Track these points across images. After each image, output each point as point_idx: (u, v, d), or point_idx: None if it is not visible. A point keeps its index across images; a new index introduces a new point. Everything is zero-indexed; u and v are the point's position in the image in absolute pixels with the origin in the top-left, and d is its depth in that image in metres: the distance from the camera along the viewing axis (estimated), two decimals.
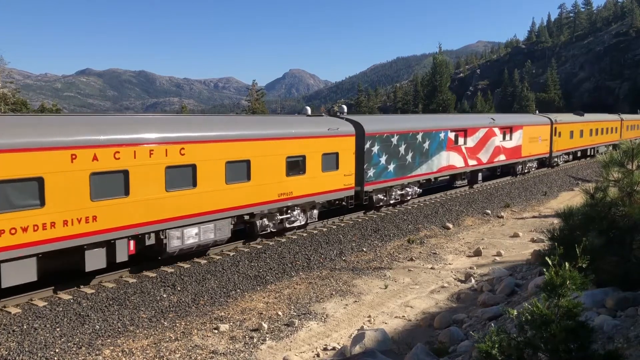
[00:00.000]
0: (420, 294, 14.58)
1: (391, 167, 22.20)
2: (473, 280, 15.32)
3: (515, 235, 21.23)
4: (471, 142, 27.86)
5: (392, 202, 22.92)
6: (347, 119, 20.83)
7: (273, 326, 12.19)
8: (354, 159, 20.20)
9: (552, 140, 37.04)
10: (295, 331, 12.03)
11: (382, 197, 22.27)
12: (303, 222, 18.52)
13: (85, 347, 10.71)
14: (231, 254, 16.11)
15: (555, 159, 38.73)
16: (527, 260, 16.16)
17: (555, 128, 37.38)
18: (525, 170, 34.85)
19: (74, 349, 10.59)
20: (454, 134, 26.38)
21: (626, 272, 8.12)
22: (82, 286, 12.97)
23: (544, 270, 4.59)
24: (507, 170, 33.64)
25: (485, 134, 29.09)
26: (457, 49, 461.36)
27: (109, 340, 11.11)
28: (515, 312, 5.01)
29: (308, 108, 21.67)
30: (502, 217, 25.07)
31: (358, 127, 20.62)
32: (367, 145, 20.74)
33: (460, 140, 27.06)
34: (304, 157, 17.92)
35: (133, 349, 10.80)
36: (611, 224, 8.29)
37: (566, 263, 4.47)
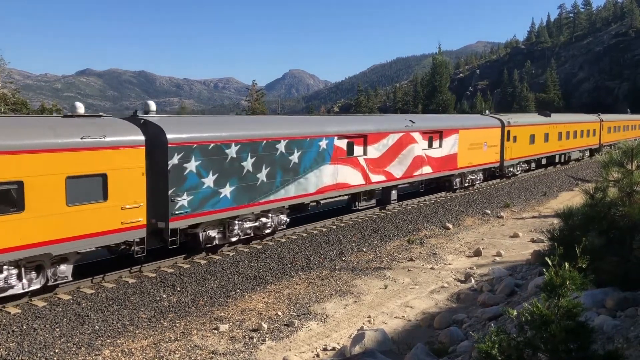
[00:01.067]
0: (420, 294, 14.59)
1: (227, 190, 15.54)
2: (473, 281, 15.33)
3: (515, 236, 21.24)
4: (375, 151, 21.36)
5: (234, 239, 16.23)
6: (144, 122, 14.29)
7: (273, 326, 12.19)
8: (144, 181, 13.50)
9: (503, 146, 30.78)
10: (295, 331, 12.03)
11: (216, 235, 15.67)
12: (38, 286, 12.00)
13: (84, 347, 10.71)
14: (231, 254, 16.10)
15: (511, 169, 32.69)
16: (527, 261, 16.17)
17: (508, 131, 31.16)
18: (466, 184, 28.32)
19: (74, 349, 10.59)
20: (345, 141, 19.92)
21: (626, 272, 8.12)
22: (81, 286, 12.96)
23: (544, 270, 4.59)
24: (441, 184, 27.39)
25: (398, 140, 22.58)
26: (456, 49, 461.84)
27: (108, 340, 11.11)
28: (515, 313, 5.01)
29: (79, 104, 14.01)
30: (502, 217, 25.07)
31: (156, 133, 13.98)
32: (175, 161, 14.08)
33: (358, 150, 20.61)
34: (20, 184, 11.15)
35: (133, 349, 10.80)
36: (611, 224, 8.30)
37: (566, 263, 4.47)
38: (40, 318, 11.24)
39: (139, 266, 14.31)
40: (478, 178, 29.62)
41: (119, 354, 10.61)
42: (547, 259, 4.57)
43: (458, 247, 19.69)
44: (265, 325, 12.05)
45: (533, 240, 20.09)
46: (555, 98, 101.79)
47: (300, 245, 17.55)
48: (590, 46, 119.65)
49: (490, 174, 31.47)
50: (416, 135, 23.91)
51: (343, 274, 16.03)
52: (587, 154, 45.38)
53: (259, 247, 16.91)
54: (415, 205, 24.33)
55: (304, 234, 18.65)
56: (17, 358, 10.00)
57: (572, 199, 26.60)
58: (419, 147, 24.15)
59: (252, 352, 11.01)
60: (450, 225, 22.56)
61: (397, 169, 22.82)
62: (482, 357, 4.54)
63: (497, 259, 17.85)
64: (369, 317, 12.91)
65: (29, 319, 11.15)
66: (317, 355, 10.97)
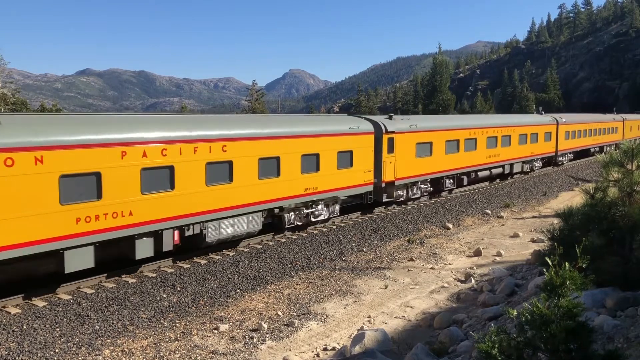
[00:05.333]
0: (420, 294, 14.58)
1: None
2: (473, 280, 15.32)
3: (515, 235, 21.23)
4: None
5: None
6: None
7: (273, 326, 12.19)
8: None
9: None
10: (295, 331, 12.03)
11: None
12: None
13: (85, 347, 10.71)
14: (231, 254, 16.10)
15: None
16: (527, 260, 16.16)
17: None
18: None
19: (74, 349, 10.59)
20: None
21: (626, 272, 8.12)
22: (81, 286, 12.97)
23: (544, 270, 4.59)
24: None
25: None
26: (457, 49, 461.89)
27: (108, 340, 11.11)
28: (515, 312, 5.01)
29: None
30: (502, 217, 25.07)
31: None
32: None
33: None
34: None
35: (133, 349, 10.80)
36: (611, 224, 8.29)
37: (566, 263, 4.46)
38: (41, 318, 11.25)
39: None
40: None
41: (119, 354, 10.61)
42: (547, 258, 4.56)
43: (458, 247, 19.68)
44: (265, 325, 12.05)
45: (533, 240, 20.08)
46: (555, 98, 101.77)
47: (300, 245, 17.55)
48: (590, 46, 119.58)
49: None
50: None
51: (343, 274, 16.03)
52: (335, 210, 20.41)
53: (259, 247, 16.91)
54: (415, 205, 24.32)
55: (304, 234, 18.65)
56: (17, 358, 10.00)
57: (572, 199, 26.59)
58: None
59: (252, 352, 11.01)
60: (450, 225, 22.55)
61: None
62: (482, 357, 4.54)
63: (497, 258, 17.84)
64: (369, 317, 12.91)
65: (29, 318, 11.15)
66: (317, 355, 10.96)
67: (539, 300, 4.50)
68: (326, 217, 19.78)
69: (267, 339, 11.57)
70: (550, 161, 38.15)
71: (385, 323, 12.45)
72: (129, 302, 12.51)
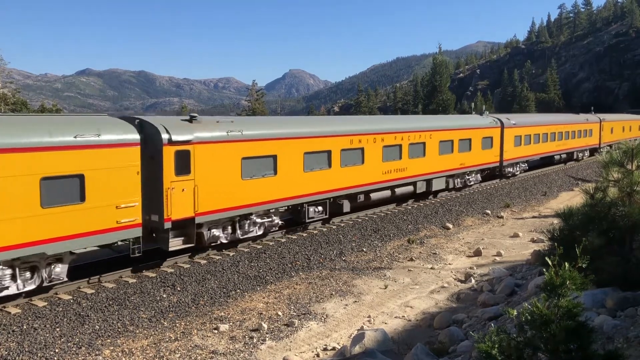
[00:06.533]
0: (420, 294, 14.58)
1: None
2: (473, 281, 15.33)
3: (515, 236, 21.23)
4: None
5: None
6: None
7: (273, 326, 12.19)
8: None
9: None
10: (295, 331, 12.03)
11: None
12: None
13: (85, 347, 10.72)
14: (231, 254, 16.10)
15: None
16: (527, 261, 16.17)
17: None
18: None
19: (74, 349, 10.59)
20: None
21: (626, 272, 8.13)
22: (82, 286, 12.97)
23: (544, 270, 4.59)
24: None
25: None
26: (457, 49, 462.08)
27: (108, 340, 11.11)
28: (515, 312, 5.01)
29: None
30: (502, 217, 25.07)
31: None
32: None
33: None
34: None
35: (133, 349, 10.80)
36: (611, 224, 8.30)
37: (566, 263, 4.47)
38: (41, 318, 11.25)
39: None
40: None
41: (119, 354, 10.62)
42: (547, 259, 4.57)
43: (458, 247, 19.68)
44: (265, 325, 12.06)
45: (533, 240, 20.08)
46: (555, 98, 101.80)
47: (301, 245, 17.55)
48: (590, 46, 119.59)
49: None
50: None
51: (343, 274, 16.03)
52: None
53: (259, 247, 16.92)
54: (415, 205, 24.32)
55: (304, 234, 18.65)
56: (17, 358, 10.00)
57: (572, 199, 26.59)
58: None
59: (252, 352, 11.01)
60: (450, 225, 22.55)
61: None
62: (482, 357, 4.54)
63: (497, 259, 17.85)
64: (369, 317, 12.91)
65: (29, 318, 11.16)
66: (317, 355, 10.97)
67: (539, 300, 4.50)
68: (20, 290, 11.70)
69: (267, 339, 11.57)
70: (494, 173, 31.42)
71: (385, 323, 12.46)
72: (129, 302, 12.52)
